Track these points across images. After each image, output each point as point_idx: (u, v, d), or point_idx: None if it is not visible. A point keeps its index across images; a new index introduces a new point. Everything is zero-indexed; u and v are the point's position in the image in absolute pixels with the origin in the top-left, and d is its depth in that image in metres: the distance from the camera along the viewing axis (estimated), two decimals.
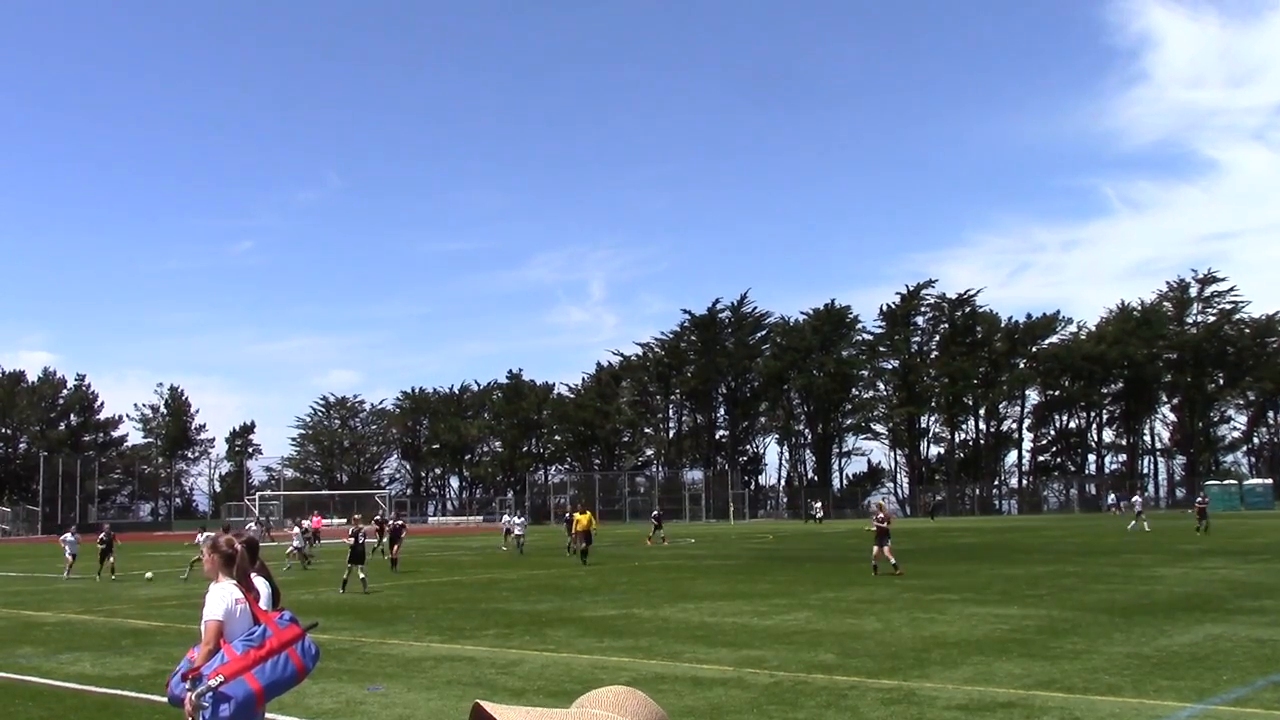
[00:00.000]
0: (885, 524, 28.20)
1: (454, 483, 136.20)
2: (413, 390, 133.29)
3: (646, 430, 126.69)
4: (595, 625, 17.92)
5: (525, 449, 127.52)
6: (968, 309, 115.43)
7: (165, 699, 6.66)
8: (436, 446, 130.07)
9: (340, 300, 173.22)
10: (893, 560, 27.20)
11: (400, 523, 38.16)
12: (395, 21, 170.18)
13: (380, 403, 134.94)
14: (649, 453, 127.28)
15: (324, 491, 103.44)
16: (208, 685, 5.80)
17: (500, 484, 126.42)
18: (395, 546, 35.19)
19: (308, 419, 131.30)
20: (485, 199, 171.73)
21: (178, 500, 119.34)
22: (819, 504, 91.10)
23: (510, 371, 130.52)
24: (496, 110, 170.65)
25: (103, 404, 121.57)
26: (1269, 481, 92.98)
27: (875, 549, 27.70)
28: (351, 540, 27.71)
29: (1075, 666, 12.62)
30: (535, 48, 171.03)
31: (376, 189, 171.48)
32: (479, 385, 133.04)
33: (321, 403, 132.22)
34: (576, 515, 36.55)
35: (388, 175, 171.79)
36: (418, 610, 21.19)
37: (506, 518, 48.81)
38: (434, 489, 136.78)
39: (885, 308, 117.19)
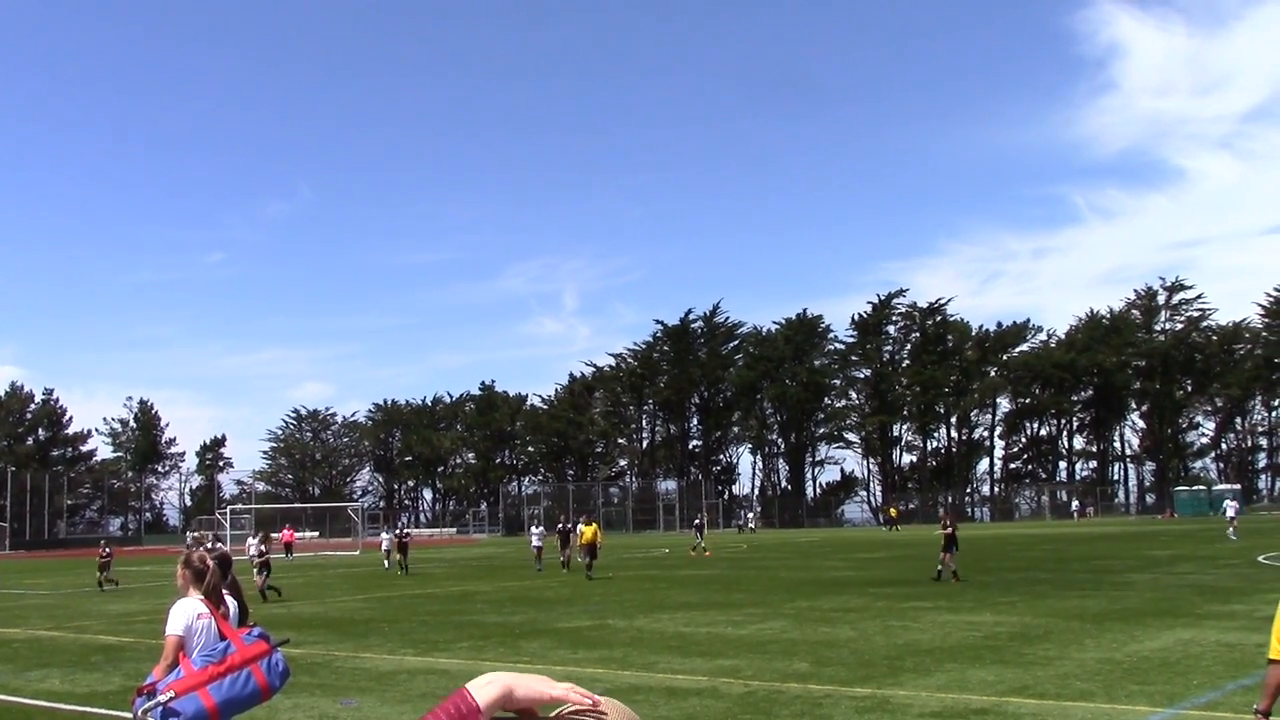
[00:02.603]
0: (950, 530, 27.40)
1: (427, 495, 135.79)
2: (385, 402, 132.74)
3: (620, 441, 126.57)
4: (570, 636, 17.90)
5: (498, 460, 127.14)
6: (939, 318, 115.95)
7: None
8: (409, 459, 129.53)
9: (312, 312, 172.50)
10: (954, 568, 26.80)
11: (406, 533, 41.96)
12: (366, 32, 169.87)
13: (352, 415, 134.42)
14: (622, 463, 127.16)
15: (296, 505, 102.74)
16: (157, 700, 5.73)
17: (473, 496, 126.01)
18: (401, 555, 39.81)
19: (279, 432, 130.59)
20: (458, 209, 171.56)
21: (148, 515, 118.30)
22: (751, 514, 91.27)
23: (483, 383, 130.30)
24: (469, 121, 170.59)
25: (71, 418, 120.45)
26: (1237, 487, 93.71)
27: (942, 554, 27.23)
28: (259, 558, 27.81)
29: (1048, 673, 12.68)
30: (507, 59, 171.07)
31: (348, 200, 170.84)
32: (451, 397, 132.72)
33: (293, 415, 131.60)
34: (582, 527, 35.97)
35: (360, 186, 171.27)
36: (390, 623, 21.10)
37: (385, 535, 46.78)
38: (407, 501, 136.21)
39: (857, 317, 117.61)
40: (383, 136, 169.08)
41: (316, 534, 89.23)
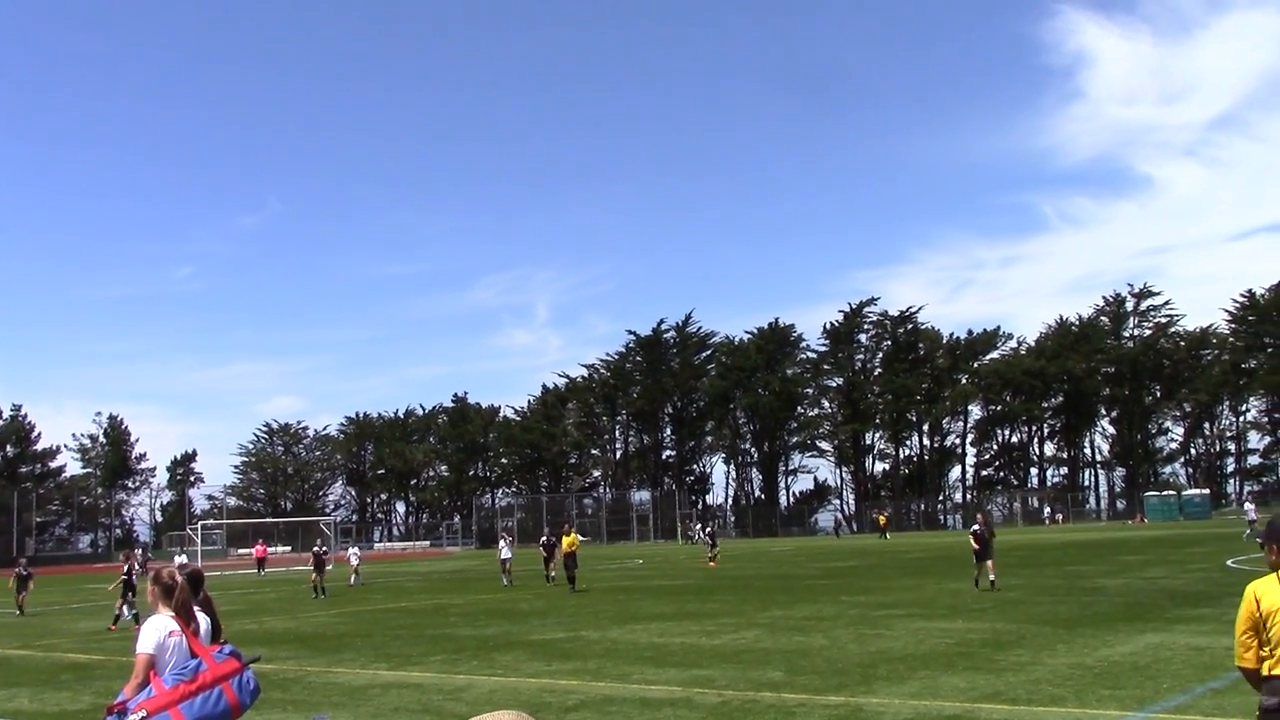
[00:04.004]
0: (987, 534, 26.20)
1: (400, 508, 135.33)
2: (357, 415, 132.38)
3: (593, 452, 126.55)
4: (543, 648, 17.86)
5: (471, 473, 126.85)
6: (910, 326, 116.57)
7: None
8: (382, 472, 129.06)
9: (283, 325, 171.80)
10: (992, 577, 25.54)
11: (324, 550, 39.48)
12: (337, 43, 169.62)
13: (324, 428, 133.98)
14: (596, 474, 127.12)
15: (268, 519, 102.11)
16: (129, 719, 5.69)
17: (447, 508, 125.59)
18: (318, 575, 36.90)
19: (251, 446, 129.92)
20: (429, 221, 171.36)
21: (118, 531, 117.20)
22: (700, 524, 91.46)
23: (455, 395, 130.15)
24: (440, 132, 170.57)
25: (40, 434, 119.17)
26: (1206, 492, 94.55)
27: (978, 562, 26.04)
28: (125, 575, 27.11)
29: (1019, 678, 12.75)
30: (476, 69, 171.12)
31: (318, 212, 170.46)
32: (424, 409, 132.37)
33: (264, 429, 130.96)
34: (565, 538, 35.27)
35: (329, 198, 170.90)
36: (363, 637, 21.00)
37: (353, 549, 45.79)
38: (380, 514, 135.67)
39: (829, 326, 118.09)
40: (353, 148, 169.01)
41: (289, 549, 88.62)
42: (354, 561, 43.67)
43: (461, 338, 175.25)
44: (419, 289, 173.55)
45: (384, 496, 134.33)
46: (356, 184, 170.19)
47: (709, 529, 53.82)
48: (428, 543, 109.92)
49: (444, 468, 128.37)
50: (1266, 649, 5.18)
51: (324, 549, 39.72)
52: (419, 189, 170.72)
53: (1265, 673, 5.16)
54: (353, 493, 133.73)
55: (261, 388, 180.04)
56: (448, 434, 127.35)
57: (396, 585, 41.37)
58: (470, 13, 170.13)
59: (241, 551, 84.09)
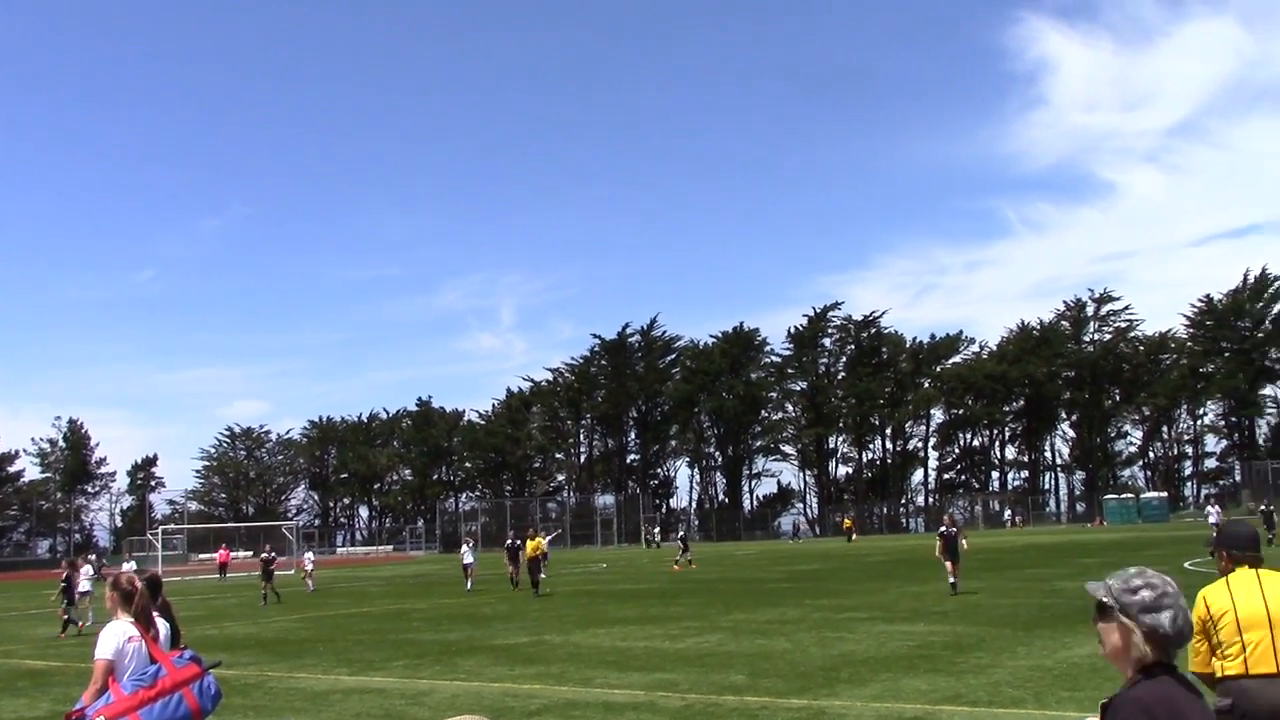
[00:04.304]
0: (955, 535, 25.97)
1: (363, 512, 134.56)
2: (320, 419, 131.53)
3: (558, 456, 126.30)
4: (506, 653, 17.84)
5: (435, 477, 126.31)
6: (874, 330, 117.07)
7: None
8: (345, 476, 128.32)
9: (246, 329, 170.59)
10: (953, 579, 25.42)
11: (271, 555, 38.46)
12: (299, 45, 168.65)
13: (287, 433, 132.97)
14: (560, 478, 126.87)
15: (229, 524, 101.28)
16: None
17: (410, 512, 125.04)
18: (267, 581, 36.19)
19: (213, 450, 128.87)
20: (395, 225, 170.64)
21: (77, 536, 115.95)
22: (658, 529, 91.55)
23: (420, 399, 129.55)
24: (405, 135, 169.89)
25: None
26: (1164, 494, 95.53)
27: (949, 564, 25.75)
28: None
29: (980, 681, 12.86)
30: (441, 71, 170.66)
31: (282, 215, 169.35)
32: (388, 413, 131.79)
33: (227, 434, 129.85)
34: (529, 542, 35.05)
35: (294, 201, 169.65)
36: (325, 643, 20.90)
37: (308, 556, 44.76)
38: (343, 519, 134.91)
39: (793, 330, 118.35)
40: (317, 150, 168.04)
41: (251, 554, 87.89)
42: (308, 566, 43.23)
43: (426, 341, 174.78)
44: (384, 292, 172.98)
45: (347, 501, 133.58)
46: (320, 186, 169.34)
47: (681, 533, 53.86)
48: (391, 547, 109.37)
49: (408, 472, 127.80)
50: (1217, 652, 5.29)
51: (272, 554, 38.59)
52: (384, 192, 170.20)
53: (1218, 675, 5.27)
54: (315, 497, 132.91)
55: (224, 392, 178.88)
56: (412, 438, 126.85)
57: (359, 590, 41.18)
58: (434, 14, 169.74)
59: (203, 556, 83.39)
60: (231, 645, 21.33)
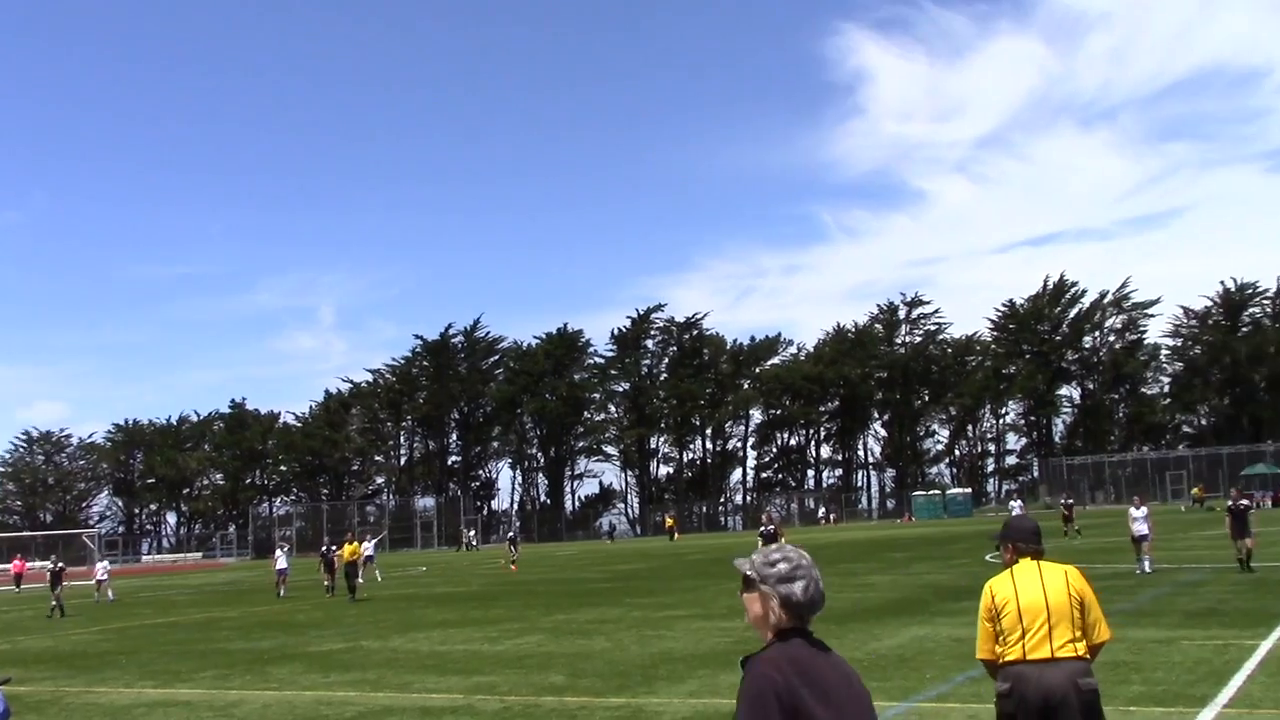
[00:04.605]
0: (774, 532, 25.95)
1: (171, 519, 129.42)
2: (126, 422, 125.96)
3: (377, 458, 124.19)
4: (321, 660, 17.40)
5: (249, 481, 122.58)
6: (695, 332, 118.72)
7: None
8: (152, 481, 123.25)
9: (44, 326, 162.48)
10: None
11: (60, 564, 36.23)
12: (107, 24, 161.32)
13: (90, 436, 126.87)
14: (379, 481, 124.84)
15: (25, 533, 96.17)
16: None
17: (222, 518, 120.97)
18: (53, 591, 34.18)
19: (8, 455, 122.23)
20: (207, 220, 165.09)
21: None
22: (473, 531, 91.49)
23: (233, 400, 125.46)
24: (220, 125, 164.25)
25: None
26: (969, 491, 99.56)
27: None
28: None
29: None
30: (258, 59, 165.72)
31: (87, 208, 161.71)
32: (199, 415, 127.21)
33: (23, 438, 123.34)
34: (347, 546, 34.10)
35: (100, 193, 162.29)
36: (128, 655, 20.02)
37: (101, 565, 42.58)
38: (149, 526, 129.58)
39: (616, 331, 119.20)
40: (126, 139, 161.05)
41: (48, 563, 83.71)
42: (101, 576, 41.34)
43: (241, 341, 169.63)
44: (194, 290, 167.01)
45: (154, 507, 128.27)
46: (130, 178, 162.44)
47: (511, 534, 53.41)
48: (200, 554, 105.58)
49: (219, 476, 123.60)
50: (1000, 639, 5.54)
51: (59, 565, 36.25)
52: (198, 186, 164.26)
53: (1000, 660, 5.51)
54: (120, 503, 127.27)
55: (20, 393, 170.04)
56: (224, 441, 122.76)
57: (165, 599, 39.64)
58: (244, 2, 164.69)
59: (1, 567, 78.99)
60: (25, 660, 20.25)
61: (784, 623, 3.37)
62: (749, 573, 3.43)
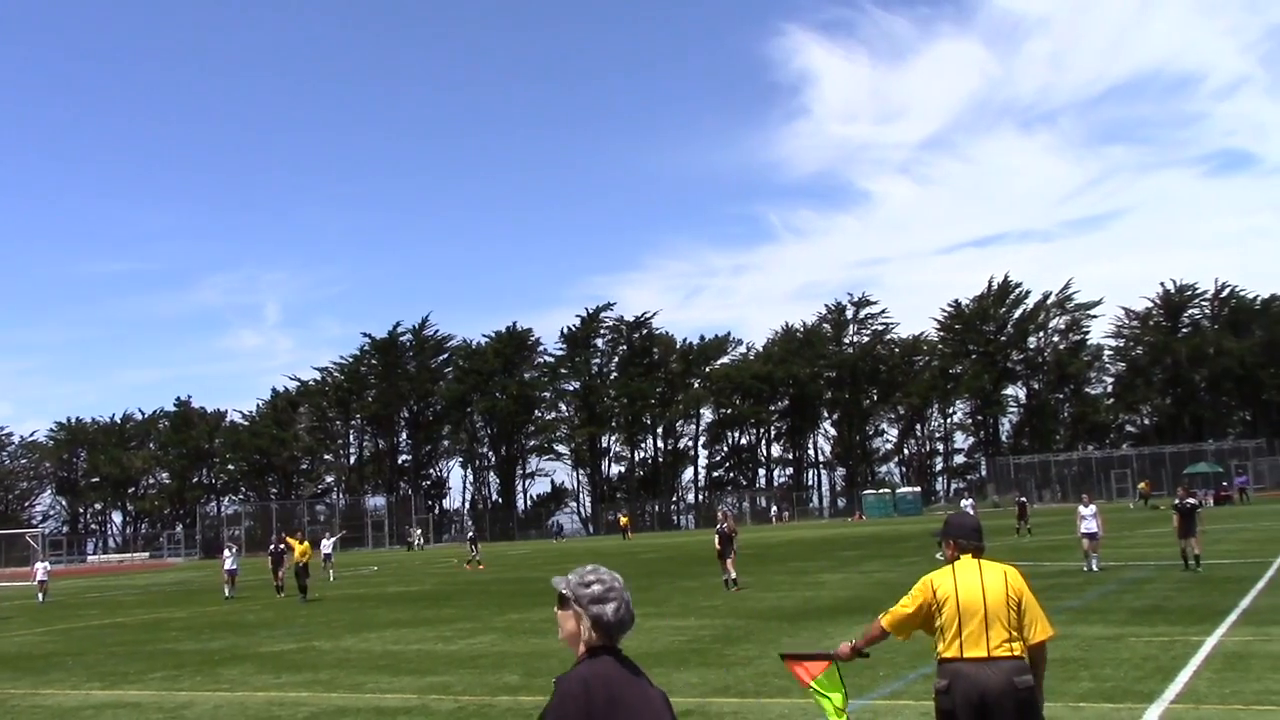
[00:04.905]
0: (730, 531, 26.14)
1: (117, 518, 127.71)
2: (69, 420, 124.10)
3: (326, 457, 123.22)
4: (272, 661, 17.28)
5: (195, 480, 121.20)
6: (645, 331, 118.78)
7: None
8: (96, 480, 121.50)
9: None
10: (734, 574, 25.51)
11: None
12: (41, 13, 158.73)
13: (31, 435, 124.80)
14: (329, 479, 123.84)
15: None
16: None
17: (169, 518, 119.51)
18: None
19: None
20: (149, 215, 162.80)
21: None
22: (419, 530, 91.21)
23: (178, 399, 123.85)
24: (162, 118, 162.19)
25: None
26: (917, 489, 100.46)
27: (722, 560, 25.82)
28: None
29: (748, 672, 13.22)
30: (205, 53, 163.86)
31: (28, 204, 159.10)
32: (144, 414, 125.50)
33: None
34: (294, 544, 33.65)
35: (38, 187, 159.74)
36: (74, 656, 19.76)
37: (41, 565, 41.71)
38: (94, 525, 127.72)
39: (566, 330, 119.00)
40: (67, 134, 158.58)
41: None
42: (41, 577, 40.72)
43: (184, 339, 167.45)
44: (136, 287, 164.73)
45: (99, 506, 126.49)
46: (67, 173, 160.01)
47: (470, 533, 52.72)
48: (147, 554, 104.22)
49: (165, 475, 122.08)
50: (938, 634, 5.65)
51: None
52: (138, 180, 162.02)
53: (937, 656, 5.62)
54: (63, 502, 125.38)
55: None
56: (170, 439, 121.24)
57: (112, 599, 39.14)
58: None
59: None
60: None
61: (594, 641, 3.52)
62: (564, 591, 3.57)
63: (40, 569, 41.43)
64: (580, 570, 3.62)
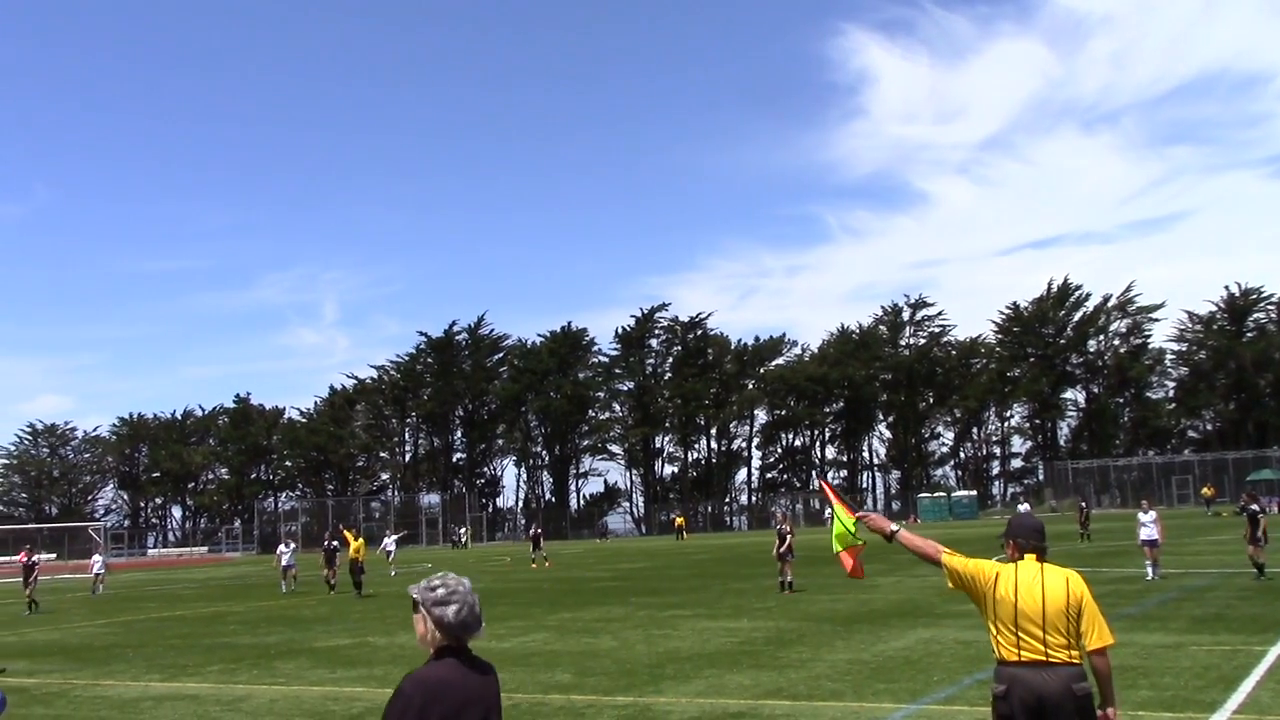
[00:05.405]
0: (788, 533, 26.00)
1: (176, 513, 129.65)
2: (131, 416, 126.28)
3: (382, 454, 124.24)
4: (328, 656, 17.43)
5: (254, 476, 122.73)
6: (699, 332, 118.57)
7: None
8: (157, 475, 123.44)
9: (48, 320, 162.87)
10: (789, 577, 25.53)
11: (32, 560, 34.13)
12: (108, 20, 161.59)
13: (95, 429, 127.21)
14: (384, 477, 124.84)
15: (30, 525, 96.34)
16: None
17: (227, 513, 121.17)
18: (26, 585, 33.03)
19: (13, 448, 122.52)
20: (210, 214, 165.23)
21: None
22: (465, 529, 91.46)
23: (238, 395, 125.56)
24: (222, 121, 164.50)
25: None
26: (973, 493, 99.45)
27: (781, 562, 25.82)
28: None
29: (801, 675, 13.14)
30: (263, 56, 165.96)
31: (89, 202, 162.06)
32: (204, 410, 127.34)
33: (28, 430, 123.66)
34: (350, 538, 33.93)
35: (101, 187, 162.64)
36: (135, 648, 20.07)
37: (97, 559, 42.60)
38: (154, 519, 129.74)
39: (620, 330, 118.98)
40: (128, 134, 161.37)
41: (54, 556, 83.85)
42: (97, 569, 41.38)
43: (244, 337, 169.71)
44: (198, 285, 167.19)
45: (159, 501, 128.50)
46: (131, 173, 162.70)
47: (536, 531, 52.10)
48: (206, 548, 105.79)
49: (224, 471, 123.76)
50: (995, 631, 5.58)
51: (34, 559, 34.43)
52: (200, 181, 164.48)
53: (996, 656, 5.56)
54: (125, 497, 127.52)
55: (25, 386, 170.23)
56: (229, 435, 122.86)
57: (171, 593, 39.71)
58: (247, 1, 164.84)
59: (2, 560, 79.06)
60: (32, 652, 20.31)
61: (440, 642, 3.81)
62: (415, 596, 3.87)
63: (97, 562, 42.13)
64: (430, 578, 3.92)
